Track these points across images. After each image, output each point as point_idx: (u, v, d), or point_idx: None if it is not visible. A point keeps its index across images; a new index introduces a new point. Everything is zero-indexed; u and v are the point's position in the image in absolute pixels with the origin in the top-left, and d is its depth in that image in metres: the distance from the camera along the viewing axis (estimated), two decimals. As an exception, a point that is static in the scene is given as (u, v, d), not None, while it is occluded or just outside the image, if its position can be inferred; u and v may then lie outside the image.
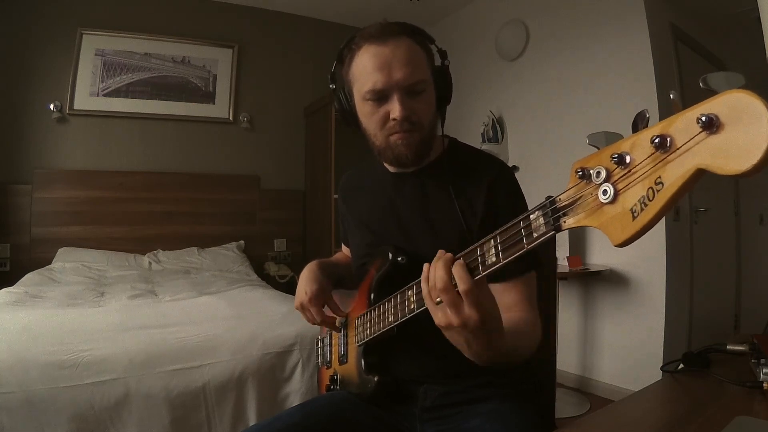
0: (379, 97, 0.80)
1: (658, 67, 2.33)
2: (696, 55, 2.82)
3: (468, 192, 0.85)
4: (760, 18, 1.35)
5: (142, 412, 1.38)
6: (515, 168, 2.85)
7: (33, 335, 1.47)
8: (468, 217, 0.83)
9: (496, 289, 0.79)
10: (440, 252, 0.63)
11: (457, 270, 0.59)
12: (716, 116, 0.35)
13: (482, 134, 3.15)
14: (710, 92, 0.37)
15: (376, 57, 0.78)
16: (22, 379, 1.29)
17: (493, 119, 3.12)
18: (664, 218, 2.11)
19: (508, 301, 0.80)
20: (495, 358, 0.67)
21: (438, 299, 0.61)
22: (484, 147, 3.00)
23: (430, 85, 0.83)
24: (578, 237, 2.61)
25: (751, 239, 3.51)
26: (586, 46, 2.64)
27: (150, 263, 2.88)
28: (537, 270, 0.84)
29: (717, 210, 2.92)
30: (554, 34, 2.83)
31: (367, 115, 0.83)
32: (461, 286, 0.58)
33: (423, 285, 0.63)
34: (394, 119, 0.80)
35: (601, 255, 2.56)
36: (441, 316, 0.61)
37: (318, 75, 3.50)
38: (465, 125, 3.30)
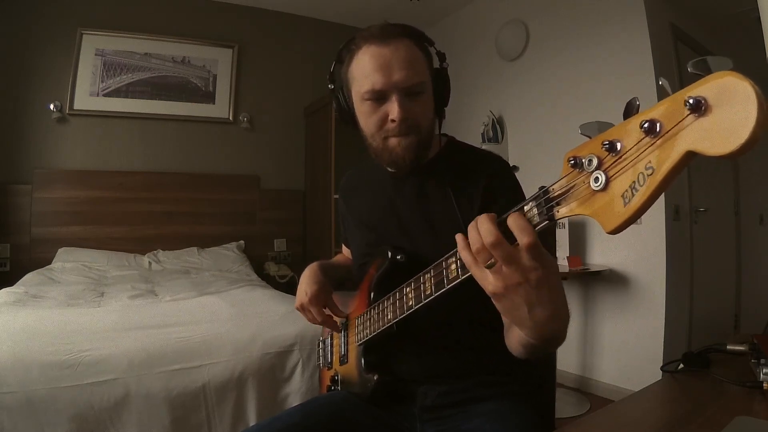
0: (378, 97, 0.80)
1: (658, 67, 2.33)
2: (696, 55, 2.82)
3: (467, 190, 0.85)
4: (760, 18, 1.35)
5: (142, 412, 1.38)
6: (515, 168, 2.85)
7: (33, 335, 1.47)
8: (467, 214, 0.83)
9: None
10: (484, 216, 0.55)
11: (518, 221, 0.50)
12: (704, 98, 0.35)
13: (482, 134, 3.15)
14: (699, 77, 0.37)
15: (376, 57, 0.78)
16: (23, 379, 1.29)
17: (493, 119, 3.12)
18: (663, 218, 2.10)
19: None
20: (552, 328, 0.58)
21: (489, 261, 0.52)
22: (484, 147, 2.99)
23: (429, 88, 0.83)
24: (578, 237, 2.61)
25: (751, 239, 3.51)
26: (586, 46, 2.64)
27: (150, 263, 2.88)
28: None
29: (717, 210, 2.92)
30: (554, 34, 2.83)
31: (365, 115, 0.83)
32: (525, 239, 0.49)
33: (464, 254, 0.55)
34: (392, 120, 0.79)
35: (601, 255, 2.56)
36: (494, 280, 0.52)
37: (318, 75, 3.49)
38: (465, 125, 3.30)
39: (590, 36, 2.62)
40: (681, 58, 2.59)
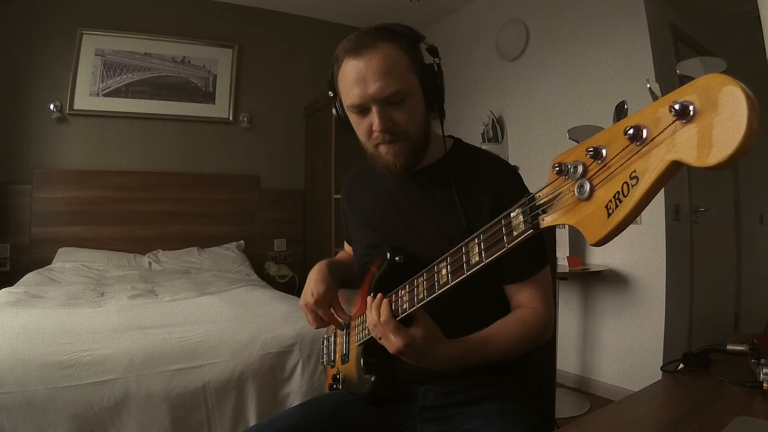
0: (361, 110, 0.81)
1: (658, 67, 2.33)
2: (696, 55, 2.82)
3: (472, 193, 0.84)
4: (760, 18, 1.35)
5: (142, 412, 1.38)
6: (515, 168, 2.85)
7: (33, 335, 1.47)
8: (472, 217, 0.83)
9: (512, 289, 0.84)
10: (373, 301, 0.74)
11: (374, 309, 0.72)
12: (691, 103, 0.33)
13: (482, 134, 3.15)
14: (690, 79, 0.34)
15: (353, 71, 0.78)
16: (22, 379, 1.29)
17: (493, 119, 3.12)
18: (664, 218, 2.09)
19: (521, 299, 0.84)
20: (462, 363, 0.74)
21: (379, 336, 0.72)
22: (484, 147, 2.99)
23: (414, 92, 0.81)
24: (578, 237, 2.61)
25: (751, 239, 3.51)
26: (586, 46, 2.64)
27: (150, 263, 2.88)
28: (549, 263, 0.87)
29: (717, 210, 2.92)
30: (554, 34, 2.83)
31: (354, 125, 0.85)
32: (381, 319, 0.70)
33: (370, 327, 0.74)
34: (375, 131, 0.80)
35: (601, 255, 2.56)
36: (388, 347, 0.70)
37: (318, 75, 3.49)
38: (465, 125, 3.30)
39: (590, 36, 2.62)
40: (681, 58, 2.59)
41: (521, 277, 0.83)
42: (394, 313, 0.71)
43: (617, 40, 2.49)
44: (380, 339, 0.71)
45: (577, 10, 2.69)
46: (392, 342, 0.69)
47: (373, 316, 0.71)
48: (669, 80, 2.43)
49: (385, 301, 0.72)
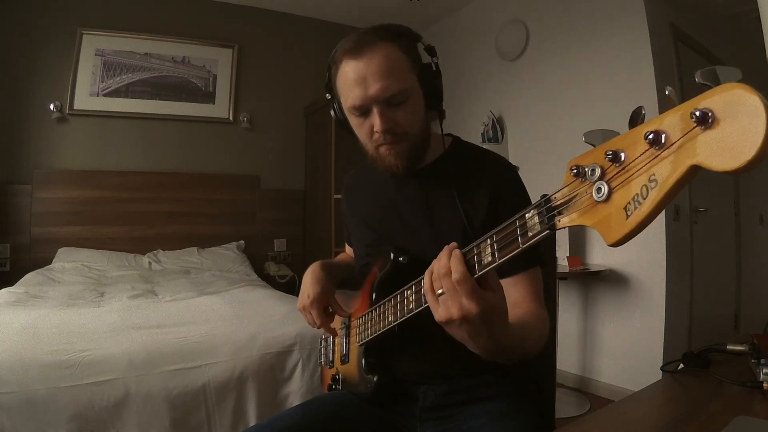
0: (361, 112, 0.80)
1: (658, 67, 2.33)
2: (696, 55, 2.82)
3: (471, 192, 0.84)
4: (760, 18, 1.35)
5: (142, 412, 1.38)
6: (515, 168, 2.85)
7: (33, 335, 1.47)
8: (471, 216, 0.83)
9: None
10: (447, 247, 0.61)
11: (453, 261, 0.57)
12: (711, 111, 0.34)
13: (482, 134, 3.15)
14: (706, 87, 0.36)
15: (353, 72, 0.78)
16: (22, 379, 1.29)
17: (493, 119, 3.12)
18: (664, 218, 2.09)
19: (515, 297, 0.80)
20: (502, 352, 0.65)
21: (440, 290, 0.59)
22: (484, 147, 2.99)
23: (415, 92, 0.81)
24: (578, 237, 2.61)
25: (751, 239, 3.51)
26: (586, 46, 2.64)
27: (150, 263, 2.88)
28: (540, 265, 0.83)
29: (717, 210, 2.92)
30: (554, 34, 2.84)
31: (355, 127, 0.85)
32: (453, 276, 0.56)
33: (426, 276, 0.61)
34: (377, 132, 0.80)
35: (601, 255, 2.56)
36: (441, 310, 0.58)
37: (318, 75, 3.46)
38: (465, 125, 3.30)
39: (590, 36, 2.62)
40: (681, 58, 2.59)
41: (508, 272, 0.80)
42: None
43: (617, 40, 2.48)
44: (440, 296, 0.59)
45: (577, 11, 2.69)
46: (462, 306, 0.56)
47: (446, 265, 0.58)
48: (669, 80, 2.44)
49: (457, 254, 0.58)
